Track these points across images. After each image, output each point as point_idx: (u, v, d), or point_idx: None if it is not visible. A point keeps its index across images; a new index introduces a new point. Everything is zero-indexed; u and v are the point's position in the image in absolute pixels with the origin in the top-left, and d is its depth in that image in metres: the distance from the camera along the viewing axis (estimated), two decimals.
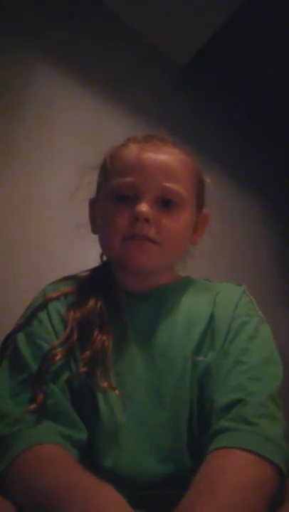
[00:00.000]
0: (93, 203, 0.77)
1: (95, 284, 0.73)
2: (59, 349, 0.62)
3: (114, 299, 0.70)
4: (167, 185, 0.67)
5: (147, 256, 0.66)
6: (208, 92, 2.09)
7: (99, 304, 0.68)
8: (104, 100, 1.67)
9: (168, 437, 0.60)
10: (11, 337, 0.67)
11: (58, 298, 0.69)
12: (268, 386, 0.58)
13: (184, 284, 0.75)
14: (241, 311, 0.68)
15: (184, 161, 0.70)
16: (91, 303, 0.68)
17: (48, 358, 0.61)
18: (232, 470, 0.48)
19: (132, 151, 0.69)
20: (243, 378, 0.59)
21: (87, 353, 0.62)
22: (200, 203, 0.75)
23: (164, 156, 0.68)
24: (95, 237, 0.75)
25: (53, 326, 0.66)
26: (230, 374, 0.60)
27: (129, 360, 0.65)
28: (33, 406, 0.56)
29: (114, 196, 0.68)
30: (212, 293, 0.72)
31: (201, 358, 0.64)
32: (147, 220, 0.65)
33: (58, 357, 0.61)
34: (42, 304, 0.68)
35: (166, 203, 0.67)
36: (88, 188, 0.76)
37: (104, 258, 0.78)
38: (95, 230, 0.76)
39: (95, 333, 0.64)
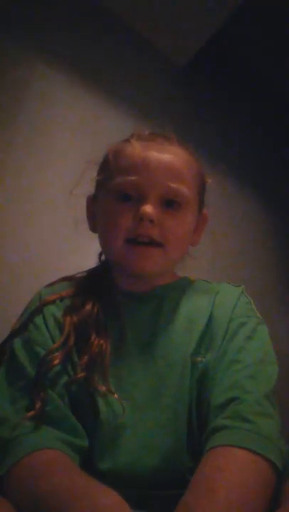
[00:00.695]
0: (92, 200, 0.75)
1: (93, 286, 0.72)
2: (56, 354, 0.61)
3: (112, 301, 0.69)
4: (172, 185, 0.66)
5: (152, 262, 0.66)
6: (207, 92, 2.09)
7: (96, 308, 0.67)
8: (104, 100, 1.67)
9: (168, 438, 0.60)
10: (8, 342, 0.66)
11: (53, 302, 0.68)
12: (263, 385, 0.59)
13: (182, 285, 0.75)
14: (239, 312, 0.68)
15: (189, 161, 0.69)
16: (88, 307, 0.67)
17: (46, 364, 0.60)
18: (230, 469, 0.48)
19: (137, 149, 0.67)
20: (239, 377, 0.59)
21: (85, 358, 0.62)
22: (201, 203, 0.74)
23: (169, 155, 0.67)
24: (95, 235, 0.73)
25: (49, 331, 0.65)
26: (227, 373, 0.60)
27: (129, 363, 0.64)
28: (32, 413, 0.56)
29: (116, 195, 0.67)
30: (211, 294, 0.71)
31: (199, 359, 0.64)
32: (152, 221, 0.64)
33: (56, 362, 0.60)
34: (38, 308, 0.67)
35: (169, 204, 0.66)
36: (88, 184, 0.74)
37: (103, 257, 0.77)
38: (93, 228, 0.74)
39: (92, 337, 0.64)
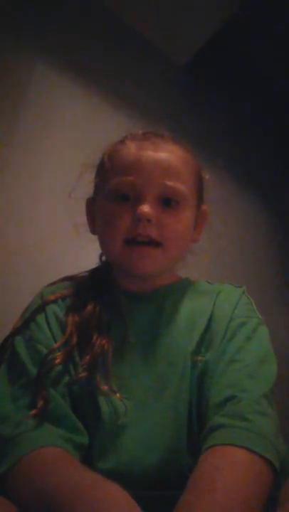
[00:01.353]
0: (90, 203, 0.76)
1: (94, 285, 0.72)
2: (58, 353, 0.61)
3: (114, 301, 0.69)
4: (168, 183, 0.66)
5: (151, 261, 0.66)
6: (207, 92, 2.09)
7: (98, 308, 0.67)
8: (104, 100, 1.67)
9: (168, 437, 0.60)
10: (9, 340, 0.66)
11: (55, 301, 0.68)
12: (261, 384, 0.59)
13: (184, 285, 0.75)
14: (240, 312, 0.68)
15: (185, 158, 0.69)
16: (89, 306, 0.67)
17: (47, 363, 0.60)
18: (228, 468, 0.48)
19: (131, 149, 0.67)
20: (237, 376, 0.59)
21: (87, 358, 0.62)
22: (200, 200, 0.74)
23: (163, 153, 0.67)
24: (95, 236, 0.73)
25: (50, 330, 0.65)
26: (226, 372, 0.60)
27: (130, 363, 0.65)
28: (34, 411, 0.56)
29: (113, 196, 0.67)
30: (212, 294, 0.72)
31: (200, 358, 0.64)
32: (149, 221, 0.64)
33: (57, 361, 0.61)
34: (40, 307, 0.67)
35: (167, 202, 0.66)
36: (87, 186, 0.74)
37: (104, 258, 0.77)
38: (93, 231, 0.74)
39: (94, 337, 0.64)
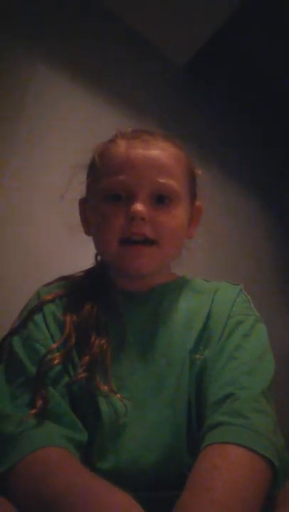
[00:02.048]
0: (83, 204, 0.75)
1: (91, 285, 0.72)
2: (57, 353, 0.61)
3: (111, 301, 0.69)
4: (160, 181, 0.65)
5: (147, 261, 0.65)
6: (207, 92, 2.09)
7: (96, 308, 0.67)
8: (104, 100, 1.68)
9: (168, 436, 0.61)
10: (6, 340, 0.66)
11: (53, 300, 0.68)
12: (259, 381, 0.59)
13: (180, 284, 0.75)
14: (237, 310, 0.68)
15: (176, 154, 0.69)
16: (87, 307, 0.67)
17: (46, 362, 0.60)
18: (226, 467, 0.48)
19: (121, 148, 0.67)
20: (235, 373, 0.59)
21: (86, 359, 0.62)
22: (193, 196, 0.74)
23: (154, 151, 0.66)
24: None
25: (49, 329, 0.65)
26: (224, 369, 0.60)
27: (129, 363, 0.65)
28: (34, 411, 0.56)
29: (106, 196, 0.67)
30: (210, 292, 0.72)
31: (198, 356, 0.64)
32: (143, 219, 0.63)
33: (56, 361, 0.60)
34: (37, 307, 0.67)
35: (160, 199, 0.66)
36: (80, 187, 0.74)
37: (99, 258, 0.77)
38: (88, 232, 0.74)
39: (93, 338, 0.64)
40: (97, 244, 0.71)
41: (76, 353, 0.63)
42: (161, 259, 0.68)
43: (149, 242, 0.65)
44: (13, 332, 0.66)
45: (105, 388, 0.60)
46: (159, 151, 0.67)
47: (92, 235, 0.72)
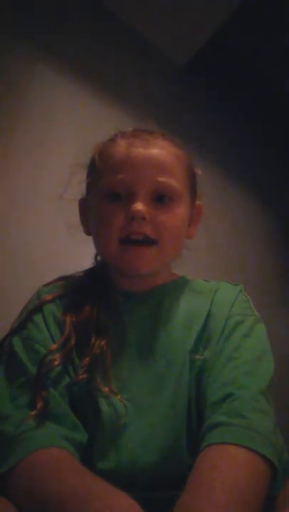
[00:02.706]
0: (83, 203, 0.75)
1: (91, 286, 0.72)
2: (56, 354, 0.61)
3: (111, 301, 0.69)
4: (161, 179, 0.65)
5: (146, 261, 0.65)
6: (207, 92, 2.09)
7: (96, 309, 0.67)
8: (104, 100, 1.68)
9: (168, 436, 0.60)
10: (6, 340, 0.66)
11: (53, 300, 0.68)
12: (259, 381, 0.59)
13: (180, 284, 0.75)
14: (237, 310, 0.68)
15: (176, 153, 0.68)
16: (87, 307, 0.66)
17: (46, 364, 0.60)
18: (226, 467, 0.48)
19: (121, 147, 0.66)
20: (235, 373, 0.59)
21: (87, 360, 0.61)
22: (193, 195, 0.73)
23: (154, 150, 0.66)
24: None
25: (48, 330, 0.65)
26: (223, 370, 0.60)
27: (129, 363, 0.64)
28: (34, 412, 0.55)
29: (106, 195, 0.66)
30: (210, 292, 0.71)
31: (198, 356, 0.64)
32: (144, 219, 0.63)
33: (56, 362, 0.60)
34: (37, 307, 0.67)
35: (160, 199, 0.65)
36: (80, 186, 0.73)
37: (99, 258, 0.76)
38: (87, 232, 0.73)
39: (93, 339, 0.63)
40: (96, 244, 0.71)
41: (76, 354, 0.63)
42: (162, 259, 0.67)
43: (149, 241, 0.65)
44: (13, 332, 0.66)
45: (106, 389, 0.60)
46: (159, 150, 0.66)
47: (92, 234, 0.71)
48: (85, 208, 0.74)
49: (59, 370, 0.61)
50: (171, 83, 1.95)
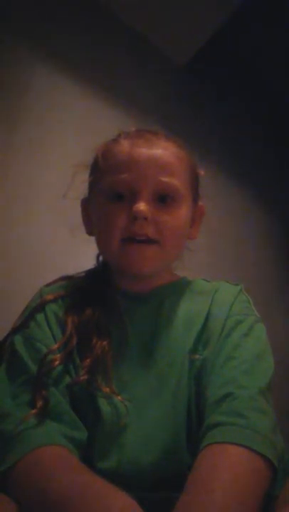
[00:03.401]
0: (86, 203, 0.75)
1: (92, 286, 0.72)
2: (58, 354, 0.61)
3: (112, 302, 0.69)
4: (163, 179, 0.65)
5: (148, 261, 0.65)
6: (207, 92, 2.09)
7: (97, 309, 0.67)
8: (104, 100, 1.68)
9: (167, 436, 0.60)
10: (8, 339, 0.66)
11: (55, 300, 0.68)
12: (258, 380, 0.59)
13: (181, 284, 0.75)
14: (237, 310, 0.68)
15: (179, 154, 0.68)
16: (89, 309, 0.66)
17: (47, 363, 0.60)
18: (226, 467, 0.48)
19: (124, 147, 0.66)
20: (234, 373, 0.59)
21: (88, 361, 0.61)
22: (196, 196, 0.73)
23: (157, 150, 0.66)
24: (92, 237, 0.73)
25: (50, 329, 0.65)
26: (223, 369, 0.60)
27: (130, 364, 0.65)
28: (34, 411, 0.56)
29: (108, 195, 0.66)
30: (210, 292, 0.71)
31: (197, 356, 0.64)
32: (146, 219, 0.63)
33: (57, 362, 0.60)
34: (39, 306, 0.67)
35: (163, 199, 0.65)
36: (82, 186, 0.73)
37: (101, 259, 0.76)
38: (90, 232, 0.74)
39: (94, 340, 0.64)
40: (99, 244, 0.71)
41: (77, 354, 0.63)
42: (163, 259, 0.67)
43: (151, 241, 0.65)
44: (15, 331, 0.66)
45: (107, 390, 0.60)
46: (162, 150, 0.66)
47: (94, 234, 0.71)
48: (87, 209, 0.74)
49: (60, 370, 0.61)
50: (171, 83, 1.95)
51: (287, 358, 1.60)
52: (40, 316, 0.66)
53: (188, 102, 1.98)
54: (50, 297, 0.68)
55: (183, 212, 0.68)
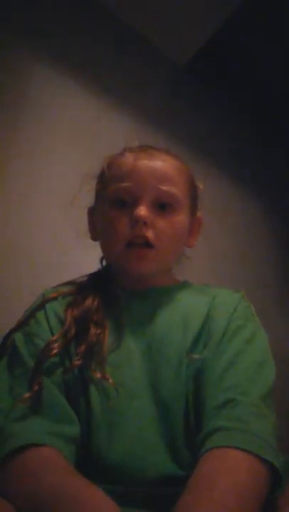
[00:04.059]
0: (92, 212, 0.81)
1: (94, 284, 0.75)
2: (55, 344, 0.63)
3: (112, 296, 0.73)
4: (163, 188, 0.70)
5: (146, 262, 0.70)
6: (207, 92, 2.09)
7: (96, 301, 0.70)
8: (104, 101, 1.68)
9: (164, 432, 0.61)
10: (9, 336, 0.68)
11: (55, 298, 0.71)
12: (260, 387, 0.59)
13: (181, 287, 0.77)
14: (239, 315, 0.69)
15: (178, 166, 0.75)
16: (88, 301, 0.70)
17: (44, 353, 0.62)
18: (227, 470, 0.48)
19: (128, 159, 0.73)
20: (236, 379, 0.60)
21: (82, 347, 0.64)
22: (194, 207, 0.78)
23: (158, 162, 0.73)
24: (94, 242, 0.78)
25: (50, 325, 0.67)
26: (224, 374, 0.61)
27: (126, 354, 0.66)
28: (28, 394, 0.57)
29: (112, 202, 0.72)
30: (209, 296, 0.73)
31: (196, 356, 0.65)
32: (146, 223, 0.68)
33: (54, 351, 0.62)
34: (40, 304, 0.70)
35: (162, 206, 0.71)
36: (88, 195, 0.79)
37: (104, 262, 0.80)
38: (94, 238, 0.79)
39: (91, 328, 0.66)
40: (103, 247, 0.76)
41: (74, 345, 0.65)
42: (160, 261, 0.71)
43: (149, 245, 0.69)
44: (15, 328, 0.68)
45: (98, 375, 0.62)
46: (163, 162, 0.73)
47: (99, 239, 0.77)
48: (93, 216, 0.80)
49: (56, 361, 0.63)
50: (171, 83, 1.95)
51: (287, 359, 1.60)
52: (40, 314, 0.69)
53: (188, 102, 1.97)
54: (51, 296, 0.72)
55: (180, 220, 0.73)
